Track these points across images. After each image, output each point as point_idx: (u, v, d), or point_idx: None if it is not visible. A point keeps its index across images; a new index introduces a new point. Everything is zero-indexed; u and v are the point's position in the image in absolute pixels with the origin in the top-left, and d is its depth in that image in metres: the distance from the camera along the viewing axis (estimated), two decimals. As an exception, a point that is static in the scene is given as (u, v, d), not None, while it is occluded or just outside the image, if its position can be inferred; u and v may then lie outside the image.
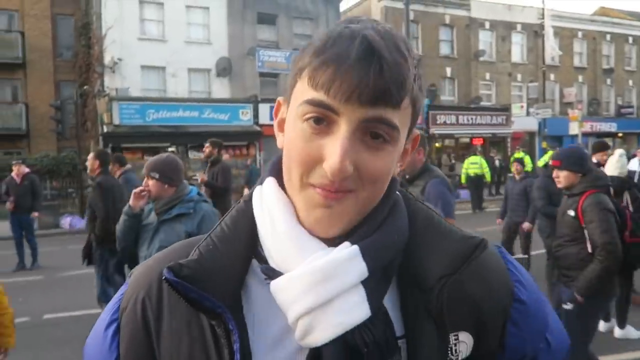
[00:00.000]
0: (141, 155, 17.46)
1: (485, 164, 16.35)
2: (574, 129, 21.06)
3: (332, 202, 0.60)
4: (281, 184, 0.67)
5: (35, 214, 9.28)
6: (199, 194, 3.26)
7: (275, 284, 0.62)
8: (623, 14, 32.34)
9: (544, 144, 18.39)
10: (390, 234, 0.65)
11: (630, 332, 4.94)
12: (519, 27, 27.24)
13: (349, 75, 0.57)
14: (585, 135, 23.55)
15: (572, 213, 3.26)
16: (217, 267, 0.64)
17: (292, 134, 0.62)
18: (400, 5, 17.83)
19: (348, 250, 0.61)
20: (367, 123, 0.59)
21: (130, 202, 3.18)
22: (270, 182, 0.69)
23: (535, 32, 27.14)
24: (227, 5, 20.46)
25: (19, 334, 5.00)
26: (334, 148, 0.58)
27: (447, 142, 24.49)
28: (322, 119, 0.60)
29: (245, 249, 0.67)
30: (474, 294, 0.67)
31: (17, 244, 9.05)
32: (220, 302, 0.61)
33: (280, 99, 0.71)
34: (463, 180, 16.71)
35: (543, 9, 26.24)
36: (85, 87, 19.01)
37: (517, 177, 7.39)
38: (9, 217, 9.12)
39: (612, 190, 3.54)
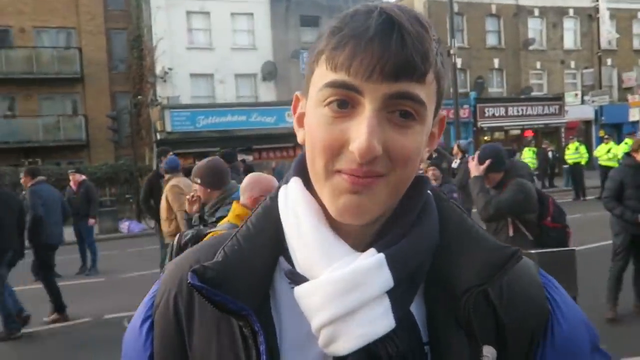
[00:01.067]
0: (192, 160, 18.09)
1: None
2: (635, 115, 20.04)
3: (361, 188, 0.57)
4: (307, 184, 0.65)
5: (92, 220, 9.41)
6: None
7: (299, 290, 0.61)
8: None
9: (602, 133, 17.53)
10: (420, 240, 0.62)
11: None
12: (571, 11, 26.12)
13: (369, 50, 0.55)
14: (647, 121, 22.32)
15: None
16: (242, 268, 0.63)
17: (313, 122, 0.60)
18: (443, 0, 17.60)
19: (373, 259, 0.59)
20: (392, 100, 0.56)
21: (186, 207, 3.38)
22: (295, 182, 0.67)
23: (589, 16, 25.92)
24: (271, 10, 20.86)
25: (79, 333, 5.37)
26: (360, 128, 0.56)
27: (496, 134, 23.87)
28: (345, 102, 0.57)
29: (271, 247, 0.66)
30: (501, 306, 0.64)
31: (80, 249, 9.54)
32: (245, 305, 0.60)
33: (297, 93, 0.69)
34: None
35: (597, -9, 25.06)
36: (138, 97, 19.96)
37: None
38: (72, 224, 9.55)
39: None
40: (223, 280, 0.61)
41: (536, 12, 25.45)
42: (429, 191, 0.68)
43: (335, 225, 0.62)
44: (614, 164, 11.83)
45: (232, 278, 0.62)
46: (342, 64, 0.56)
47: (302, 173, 0.66)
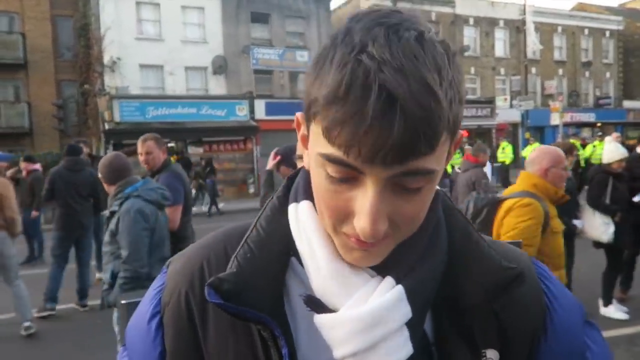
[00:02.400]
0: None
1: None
2: (555, 119, 21.87)
3: (369, 248, 0.57)
4: (316, 208, 0.63)
5: (35, 213, 8.52)
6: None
7: (320, 320, 0.61)
8: (600, 9, 33.56)
9: (527, 135, 19.37)
10: (434, 266, 0.63)
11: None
12: (501, 22, 28.24)
13: (368, 137, 0.50)
14: (566, 125, 24.64)
15: None
16: (257, 276, 0.63)
17: (316, 181, 0.58)
18: (387, 3, 18.68)
19: (394, 293, 0.59)
20: (396, 177, 0.53)
21: None
22: (306, 207, 0.66)
23: (517, 28, 28.12)
24: (222, 5, 21.12)
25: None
26: (363, 206, 0.54)
27: (434, 134, 25.37)
28: (345, 177, 0.54)
29: (282, 250, 0.66)
30: (505, 317, 0.66)
31: (26, 239, 8.91)
32: (262, 314, 0.60)
33: (298, 115, 0.64)
34: (449, 170, 17.66)
35: (524, 5, 27.22)
36: (85, 86, 19.61)
37: None
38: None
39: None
40: (239, 291, 0.61)
41: (471, 22, 27.35)
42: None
43: None
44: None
45: (248, 288, 0.62)
46: (340, 146, 0.52)
47: (311, 195, 0.64)
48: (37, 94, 20.40)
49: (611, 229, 5.11)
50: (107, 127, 18.53)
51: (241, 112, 20.58)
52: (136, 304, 0.74)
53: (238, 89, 21.18)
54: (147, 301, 0.70)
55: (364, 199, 0.54)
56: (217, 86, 21.21)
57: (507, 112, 26.74)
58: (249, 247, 0.65)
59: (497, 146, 19.54)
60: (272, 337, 0.61)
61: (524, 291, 0.67)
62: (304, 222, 0.65)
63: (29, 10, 20.42)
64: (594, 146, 16.96)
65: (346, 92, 0.50)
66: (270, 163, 3.68)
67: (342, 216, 0.57)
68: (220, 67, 20.95)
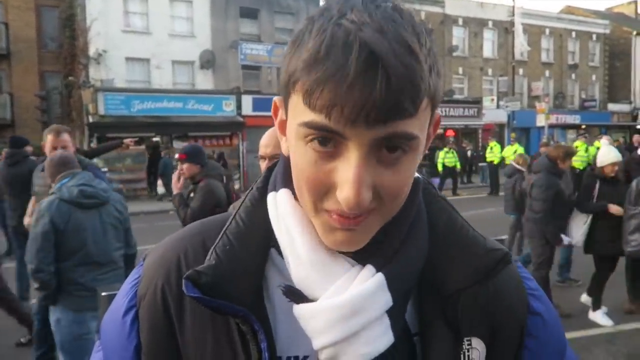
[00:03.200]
0: (126, 146, 17.89)
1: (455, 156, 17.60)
2: (541, 120, 22.08)
3: (352, 226, 0.55)
4: (295, 196, 0.62)
5: None
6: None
7: (299, 311, 0.59)
8: (587, 12, 33.92)
9: (513, 135, 19.50)
10: (415, 253, 0.62)
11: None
12: (490, 23, 28.40)
13: (350, 97, 0.49)
14: (552, 126, 24.83)
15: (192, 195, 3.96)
16: (236, 269, 0.61)
17: (296, 156, 0.56)
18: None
19: (373, 282, 0.58)
20: (380, 140, 0.52)
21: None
22: (284, 196, 0.64)
23: (505, 29, 28.34)
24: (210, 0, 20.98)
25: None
26: (346, 175, 0.52)
27: (422, 133, 25.49)
28: (327, 139, 0.53)
29: (262, 242, 0.64)
30: (489, 303, 0.65)
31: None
32: (241, 307, 0.59)
33: (276, 99, 0.63)
34: (440, 169, 17.75)
35: (513, 6, 27.45)
36: (70, 77, 19.33)
37: None
38: None
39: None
40: (218, 284, 0.59)
41: (460, 22, 27.46)
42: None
43: None
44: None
45: (227, 281, 0.60)
46: (322, 108, 0.50)
47: (291, 184, 0.62)
48: (19, 84, 20.06)
49: (584, 230, 5.12)
50: (91, 119, 18.32)
51: (228, 108, 20.45)
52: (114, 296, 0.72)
53: (225, 84, 21.03)
54: (122, 294, 0.68)
55: (347, 167, 0.52)
56: (204, 81, 21.05)
57: (493, 112, 26.93)
58: (228, 239, 0.63)
59: (485, 146, 19.62)
60: (252, 331, 0.59)
61: (509, 284, 0.68)
62: (282, 210, 0.64)
63: (13, -1, 20.05)
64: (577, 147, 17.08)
65: (327, 52, 0.50)
66: (176, 185, 3.92)
67: (323, 190, 0.55)
68: (208, 61, 20.78)
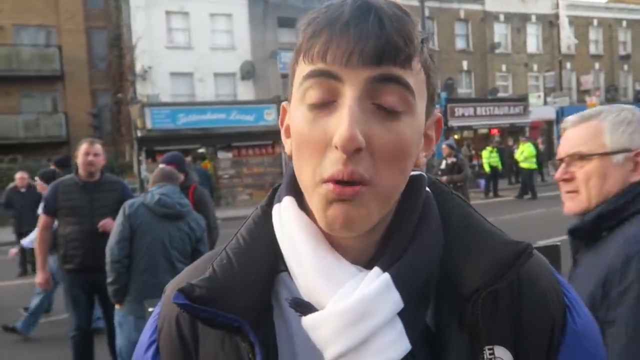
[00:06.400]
0: (173, 157, 18.46)
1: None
2: (592, 115, 21.30)
3: (348, 197, 0.53)
4: (300, 204, 0.62)
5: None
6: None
7: (306, 322, 0.57)
8: (638, 0, 32.35)
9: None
10: (425, 250, 0.59)
11: None
12: (533, 18, 27.54)
13: (345, 35, 0.52)
14: (604, 121, 23.77)
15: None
16: (233, 283, 0.60)
17: (295, 123, 0.57)
18: (415, 2, 18.47)
19: (379, 282, 0.55)
20: (374, 84, 0.53)
21: None
22: (288, 202, 0.64)
23: (550, 22, 27.41)
24: (249, 11, 21.37)
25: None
26: (341, 118, 0.52)
27: (465, 133, 24.99)
28: (323, 86, 0.54)
29: (267, 261, 0.63)
30: (516, 306, 0.60)
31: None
32: (236, 317, 0.58)
33: (284, 104, 0.65)
34: (487, 169, 17.27)
35: (557, -1, 26.61)
36: (118, 94, 20.21)
37: None
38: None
39: None
40: (212, 297, 0.59)
41: (501, 18, 26.76)
42: (427, 189, 0.66)
43: (334, 243, 0.60)
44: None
45: (222, 294, 0.59)
46: (318, 53, 0.54)
47: (295, 191, 0.63)
48: (73, 103, 21.14)
49: None
50: (139, 134, 18.96)
51: (269, 117, 20.73)
52: None
53: (266, 94, 21.35)
54: (145, 330, 0.69)
55: (342, 111, 0.53)
56: (245, 91, 21.46)
57: (541, 109, 26.04)
58: (226, 254, 0.64)
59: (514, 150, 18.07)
60: (250, 348, 0.58)
61: (539, 283, 0.63)
62: (286, 216, 0.63)
63: (65, 23, 21.21)
64: None
65: (326, 8, 0.56)
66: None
67: (320, 151, 0.55)
68: (248, 72, 21.19)
